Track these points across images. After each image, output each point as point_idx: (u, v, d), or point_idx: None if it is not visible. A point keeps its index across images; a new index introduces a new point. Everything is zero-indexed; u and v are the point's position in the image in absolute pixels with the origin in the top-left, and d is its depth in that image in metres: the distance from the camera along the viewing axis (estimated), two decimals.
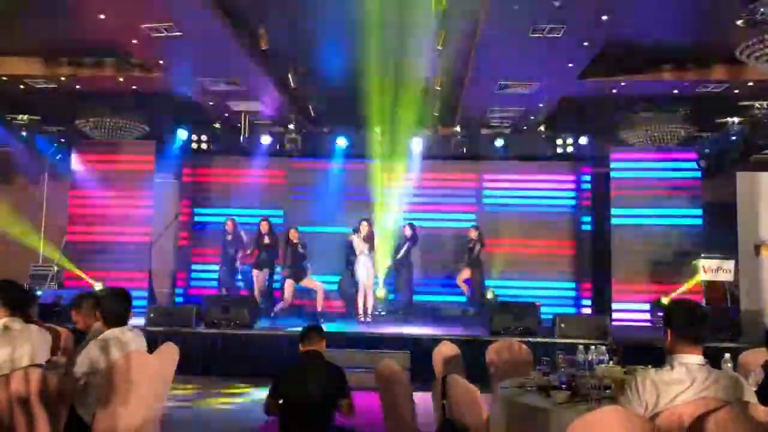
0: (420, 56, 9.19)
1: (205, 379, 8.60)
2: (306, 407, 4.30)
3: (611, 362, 4.11)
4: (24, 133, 12.03)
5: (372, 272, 10.78)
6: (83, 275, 11.61)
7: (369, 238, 10.76)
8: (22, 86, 10.45)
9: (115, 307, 4.11)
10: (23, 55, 9.82)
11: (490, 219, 12.72)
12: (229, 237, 11.46)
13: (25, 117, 11.88)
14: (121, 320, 4.10)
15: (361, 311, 10.75)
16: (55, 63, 9.87)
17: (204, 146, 12.76)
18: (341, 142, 12.54)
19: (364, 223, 10.81)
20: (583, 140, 12.20)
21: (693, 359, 3.07)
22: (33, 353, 4.18)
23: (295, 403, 4.34)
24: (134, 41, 8.51)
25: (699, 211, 11.80)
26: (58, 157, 12.63)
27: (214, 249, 12.63)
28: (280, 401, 4.36)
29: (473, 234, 11.54)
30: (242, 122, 12.14)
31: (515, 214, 12.81)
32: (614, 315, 11.08)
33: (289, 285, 10.55)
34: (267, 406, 4.37)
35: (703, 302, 10.31)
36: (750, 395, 3.09)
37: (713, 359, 3.43)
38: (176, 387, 7.42)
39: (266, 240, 11.02)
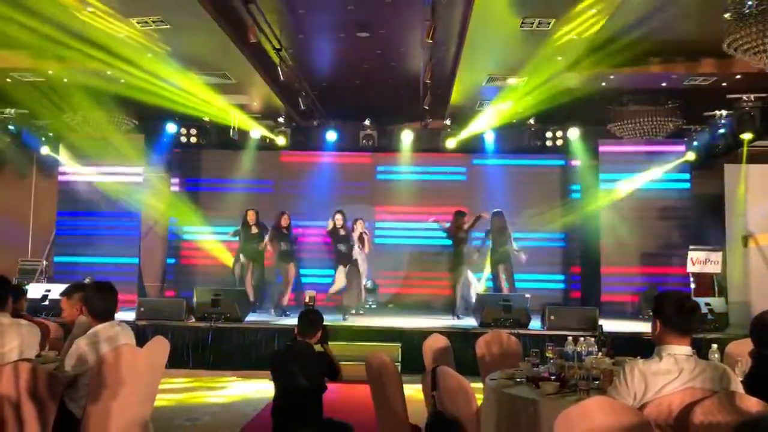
0: (410, 49, 9.19)
1: (196, 373, 8.61)
2: (294, 394, 4.37)
3: (600, 353, 4.14)
4: (11, 127, 11.95)
5: (365, 267, 10.81)
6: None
7: (361, 235, 10.75)
8: (8, 80, 10.36)
9: (102, 301, 4.08)
10: (9, 48, 9.72)
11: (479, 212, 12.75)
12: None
13: (13, 111, 11.80)
14: (108, 315, 4.08)
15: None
16: (42, 56, 9.78)
17: (193, 140, 12.70)
18: (331, 135, 12.53)
19: (359, 222, 10.79)
20: (572, 133, 12.22)
21: (681, 350, 3.10)
22: (22, 347, 4.16)
23: (282, 390, 4.43)
24: (123, 34, 8.46)
25: (687, 203, 11.87)
26: (46, 151, 12.54)
27: (203, 242, 12.65)
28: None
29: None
30: (231, 115, 12.09)
31: (505, 206, 12.83)
32: (603, 306, 11.14)
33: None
34: None
35: (691, 293, 10.39)
36: (737, 385, 3.12)
37: (701, 350, 3.47)
38: (166, 380, 7.42)
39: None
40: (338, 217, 10.79)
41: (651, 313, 3.28)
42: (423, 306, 12.01)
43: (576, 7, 7.30)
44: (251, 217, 11.06)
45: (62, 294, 4.78)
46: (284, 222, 10.87)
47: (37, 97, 10.64)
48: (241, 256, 11.01)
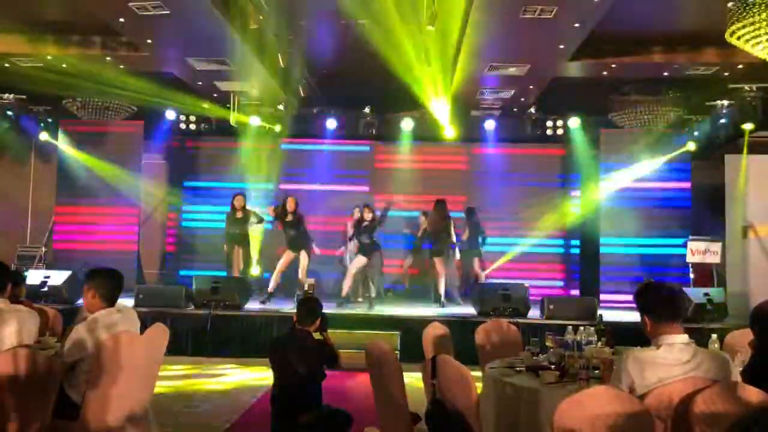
0: (410, 36, 9.14)
1: (195, 360, 8.61)
2: (293, 381, 4.38)
3: (600, 343, 4.14)
4: (10, 113, 11.90)
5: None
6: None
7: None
8: (7, 64, 10.30)
9: (115, 288, 4.09)
10: (8, 32, 9.67)
11: (479, 201, 12.72)
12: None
13: (11, 96, 11.74)
14: (113, 301, 4.08)
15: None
16: (41, 41, 9.73)
17: (193, 127, 12.66)
18: (331, 123, 12.48)
19: (356, 209, 10.79)
20: (572, 122, 12.19)
21: (678, 338, 3.08)
22: (21, 333, 4.15)
23: (281, 377, 4.44)
24: (121, 20, 8.41)
25: (687, 194, 11.84)
26: (44, 137, 12.48)
27: (202, 230, 12.63)
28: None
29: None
30: (231, 102, 12.05)
31: (505, 195, 12.82)
32: (602, 296, 11.13)
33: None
34: None
35: (691, 284, 10.39)
36: (737, 375, 3.11)
37: (700, 340, 3.46)
38: (166, 368, 7.42)
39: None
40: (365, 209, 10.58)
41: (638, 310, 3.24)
42: (422, 294, 12.00)
43: None
44: (238, 201, 10.77)
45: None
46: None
47: (35, 82, 10.60)
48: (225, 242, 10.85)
